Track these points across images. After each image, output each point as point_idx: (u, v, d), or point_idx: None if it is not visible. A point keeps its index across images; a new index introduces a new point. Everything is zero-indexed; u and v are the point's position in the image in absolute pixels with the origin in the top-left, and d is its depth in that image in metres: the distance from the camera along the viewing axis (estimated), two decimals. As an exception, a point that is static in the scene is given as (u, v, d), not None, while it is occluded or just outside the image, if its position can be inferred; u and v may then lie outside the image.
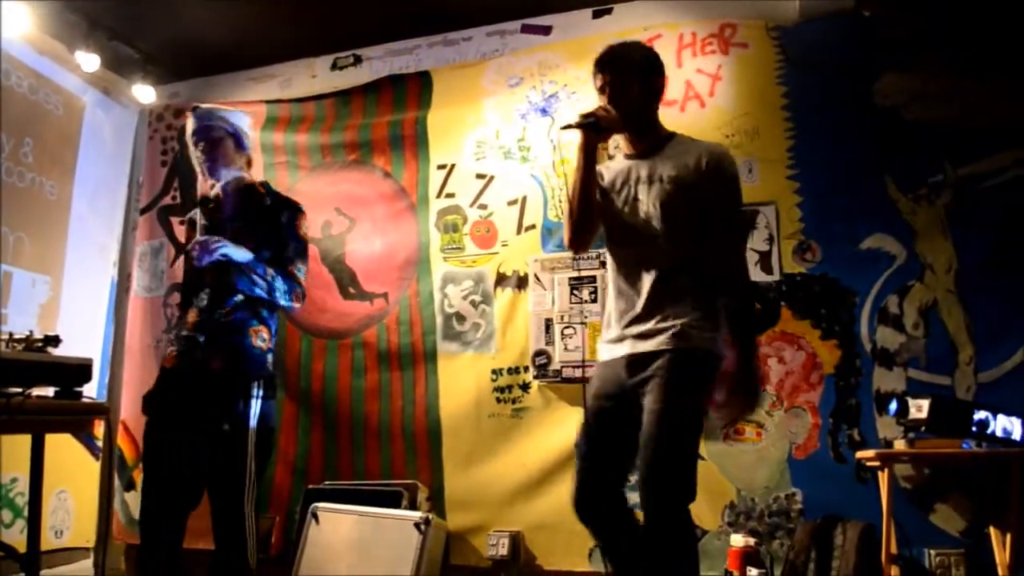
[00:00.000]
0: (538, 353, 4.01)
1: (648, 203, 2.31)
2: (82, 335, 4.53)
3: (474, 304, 4.24)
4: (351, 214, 4.58)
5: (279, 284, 2.81)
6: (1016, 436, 3.18)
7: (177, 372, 2.77)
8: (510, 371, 4.10)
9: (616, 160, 2.53)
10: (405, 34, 4.68)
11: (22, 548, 3.13)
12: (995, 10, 3.58)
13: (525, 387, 4.06)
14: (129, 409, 4.66)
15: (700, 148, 2.36)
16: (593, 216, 2.38)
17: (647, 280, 2.28)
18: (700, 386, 2.21)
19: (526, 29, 4.47)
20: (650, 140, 2.41)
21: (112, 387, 4.82)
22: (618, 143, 2.59)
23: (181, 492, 2.75)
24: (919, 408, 3.15)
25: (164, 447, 2.72)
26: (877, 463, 3.26)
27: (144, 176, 5.08)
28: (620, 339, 2.31)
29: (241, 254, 2.74)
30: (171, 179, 5.02)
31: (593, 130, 2.31)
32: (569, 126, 2.34)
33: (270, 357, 2.85)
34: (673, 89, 4.05)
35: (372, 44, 4.78)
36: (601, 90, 2.38)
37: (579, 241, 2.40)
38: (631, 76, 2.36)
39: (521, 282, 4.15)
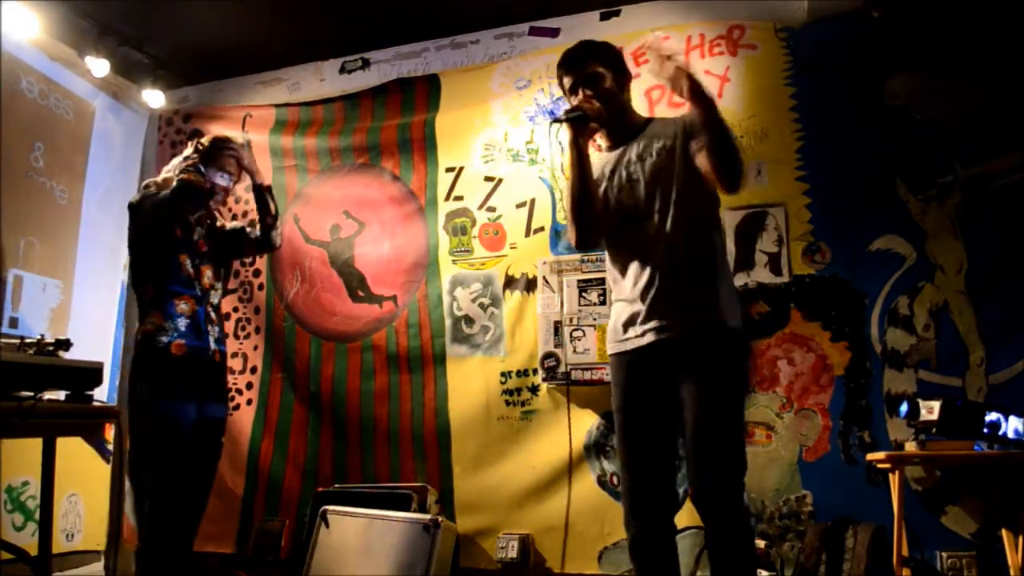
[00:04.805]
0: (547, 356, 4.01)
1: (644, 180, 2.37)
2: (93, 339, 4.55)
3: (483, 307, 4.25)
4: (360, 217, 4.59)
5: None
6: (1028, 438, 3.17)
7: (186, 361, 2.85)
8: (519, 374, 4.10)
9: (599, 154, 2.56)
10: (413, 37, 4.69)
11: (33, 551, 3.15)
12: (1005, 10, 3.56)
13: (534, 389, 4.06)
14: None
15: (679, 118, 2.43)
16: (596, 209, 2.39)
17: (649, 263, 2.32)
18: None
19: (534, 31, 4.47)
20: (630, 126, 2.47)
21: (123, 390, 4.83)
22: (596, 139, 2.61)
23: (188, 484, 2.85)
24: (930, 410, 3.13)
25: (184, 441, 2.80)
26: (888, 465, 3.25)
27: (154, 180, 5.10)
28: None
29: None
30: (181, 183, 5.04)
31: (581, 123, 2.34)
32: (558, 120, 2.36)
33: None
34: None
35: (380, 47, 4.79)
36: (572, 90, 2.44)
37: (587, 237, 2.40)
38: (600, 67, 2.43)
39: (530, 284, 4.15)
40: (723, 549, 2.19)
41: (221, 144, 3.09)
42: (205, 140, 3.10)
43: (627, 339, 2.34)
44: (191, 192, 2.85)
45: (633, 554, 2.29)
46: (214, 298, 3.08)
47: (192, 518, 2.94)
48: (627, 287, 2.36)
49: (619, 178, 2.41)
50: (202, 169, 2.92)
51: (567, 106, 2.43)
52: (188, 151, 3.01)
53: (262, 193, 3.24)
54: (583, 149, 2.35)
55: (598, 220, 2.40)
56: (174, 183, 2.86)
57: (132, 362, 2.88)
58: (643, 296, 2.30)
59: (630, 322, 2.33)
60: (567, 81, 2.46)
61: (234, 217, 4.86)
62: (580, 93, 2.41)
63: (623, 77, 2.49)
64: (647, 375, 2.30)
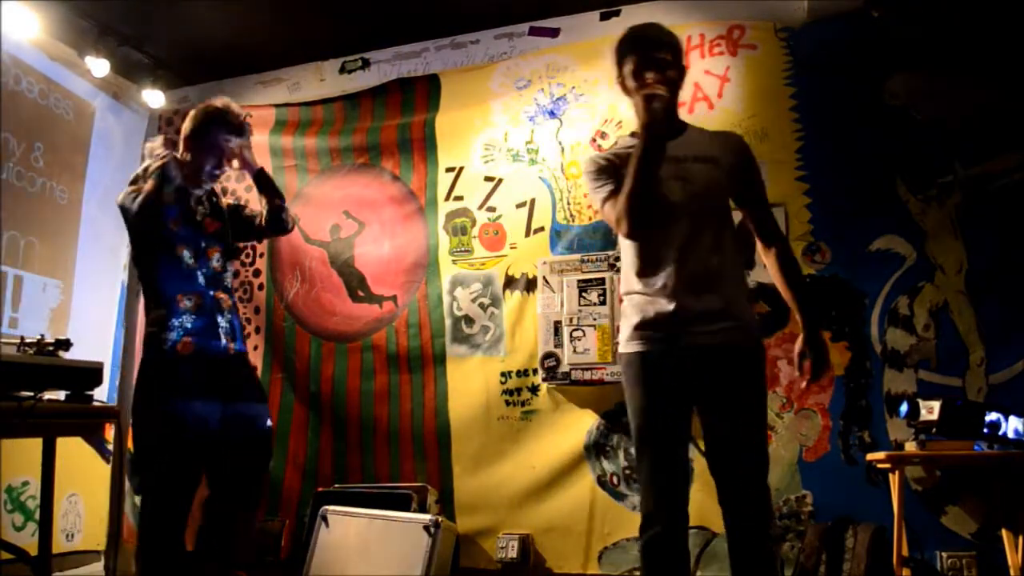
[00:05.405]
0: (547, 356, 4.01)
1: (696, 183, 2.31)
2: (93, 339, 4.55)
3: (483, 307, 4.25)
4: (360, 217, 4.59)
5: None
6: (1028, 438, 3.17)
7: (194, 359, 2.70)
8: (519, 374, 4.10)
9: (631, 140, 2.43)
10: (413, 37, 4.69)
11: (33, 551, 3.15)
12: (1005, 10, 3.56)
13: (534, 389, 4.06)
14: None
15: (726, 135, 2.50)
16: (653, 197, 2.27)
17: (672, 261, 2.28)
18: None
19: (534, 31, 4.47)
20: (674, 124, 2.37)
21: (123, 390, 4.84)
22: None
23: (193, 488, 2.74)
24: (930, 410, 3.13)
25: (187, 440, 2.69)
26: (888, 465, 3.24)
27: (154, 180, 5.09)
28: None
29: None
30: (181, 183, 5.04)
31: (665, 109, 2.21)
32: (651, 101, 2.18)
33: None
34: (681, 91, 4.04)
35: (380, 47, 4.79)
36: (636, 72, 2.29)
37: (645, 225, 2.27)
38: (670, 55, 2.34)
39: (530, 284, 4.15)
40: (751, 550, 2.19)
41: (206, 127, 2.93)
42: (187, 123, 2.94)
43: (657, 338, 2.27)
44: (168, 192, 2.69)
45: (654, 553, 2.23)
46: (226, 280, 2.89)
47: (227, 518, 2.77)
48: (657, 284, 2.29)
49: (664, 171, 2.28)
50: (171, 172, 2.70)
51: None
52: (158, 148, 2.81)
53: (264, 178, 3.05)
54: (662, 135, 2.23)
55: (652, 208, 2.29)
56: (150, 180, 2.68)
57: (140, 362, 2.80)
58: (678, 296, 2.25)
59: (660, 322, 2.27)
60: (633, 60, 2.30)
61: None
62: (647, 76, 2.24)
63: (683, 71, 2.38)
64: (674, 377, 2.25)
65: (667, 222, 2.29)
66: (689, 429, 2.31)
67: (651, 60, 2.29)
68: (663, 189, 2.28)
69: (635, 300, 2.35)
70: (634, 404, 2.31)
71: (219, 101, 2.98)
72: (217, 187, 3.06)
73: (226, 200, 3.08)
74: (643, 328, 2.30)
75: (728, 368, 2.24)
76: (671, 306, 2.25)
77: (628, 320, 2.35)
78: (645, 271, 2.33)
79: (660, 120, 2.16)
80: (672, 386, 2.26)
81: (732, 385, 2.25)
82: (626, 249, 2.40)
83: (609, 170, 2.37)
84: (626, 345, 2.34)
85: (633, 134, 2.45)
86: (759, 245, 2.49)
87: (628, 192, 2.20)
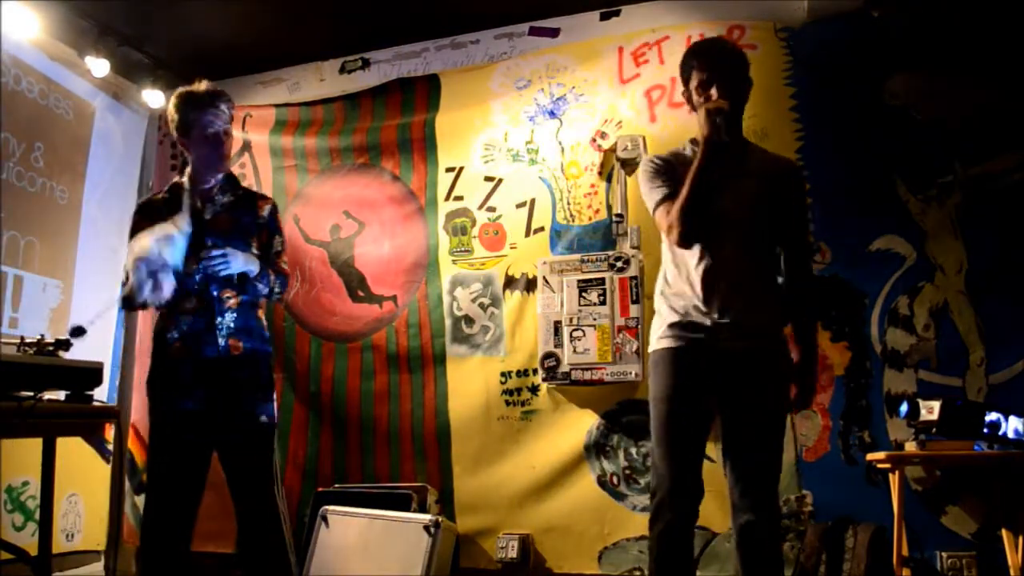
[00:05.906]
0: (547, 356, 4.00)
1: (750, 196, 2.36)
2: (93, 339, 4.50)
3: (483, 307, 4.25)
4: (360, 217, 4.58)
5: (277, 282, 2.85)
6: (1028, 438, 3.17)
7: (186, 361, 2.67)
8: (519, 374, 4.10)
9: (693, 148, 2.46)
10: (413, 37, 4.69)
11: (33, 551, 3.16)
12: (1005, 10, 3.56)
13: (534, 390, 4.06)
14: (140, 412, 4.67)
15: (782, 159, 2.62)
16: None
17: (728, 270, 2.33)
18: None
19: (534, 31, 4.47)
20: (737, 139, 2.41)
21: (123, 390, 4.84)
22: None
23: (196, 490, 2.73)
24: (930, 410, 3.14)
25: (184, 441, 2.67)
26: (888, 465, 3.25)
27: (154, 180, 5.09)
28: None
29: (249, 266, 2.73)
30: (181, 183, 5.04)
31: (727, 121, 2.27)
32: (720, 114, 2.24)
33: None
34: (681, 90, 4.04)
35: (380, 47, 4.79)
36: (705, 84, 2.37)
37: (698, 233, 2.32)
38: (740, 73, 2.41)
39: (530, 285, 4.15)
40: (762, 549, 2.24)
41: (184, 116, 2.87)
42: (171, 125, 2.89)
43: (691, 336, 2.33)
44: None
45: (661, 545, 2.27)
46: (235, 277, 2.73)
47: (242, 518, 2.75)
48: (699, 287, 2.33)
49: (720, 184, 2.32)
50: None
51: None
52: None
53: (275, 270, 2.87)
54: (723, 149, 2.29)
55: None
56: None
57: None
58: (719, 299, 2.31)
59: (697, 322, 2.32)
60: (699, 75, 2.38)
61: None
62: (711, 92, 2.33)
63: (748, 86, 2.44)
64: (703, 372, 2.31)
65: (717, 232, 2.33)
66: (710, 425, 2.35)
67: (715, 75, 2.36)
68: (717, 200, 2.32)
69: (673, 299, 2.39)
70: (658, 393, 2.35)
71: (181, 87, 2.95)
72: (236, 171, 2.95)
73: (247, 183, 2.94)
74: (679, 327, 2.35)
75: (757, 370, 2.31)
76: (711, 308, 2.31)
77: (663, 318, 2.41)
78: (688, 272, 2.38)
79: (721, 134, 2.23)
80: (700, 380, 2.31)
81: (759, 386, 2.32)
82: (669, 247, 2.44)
83: (666, 172, 2.42)
84: (658, 342, 2.40)
85: (693, 140, 2.51)
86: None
87: (683, 203, 2.27)
